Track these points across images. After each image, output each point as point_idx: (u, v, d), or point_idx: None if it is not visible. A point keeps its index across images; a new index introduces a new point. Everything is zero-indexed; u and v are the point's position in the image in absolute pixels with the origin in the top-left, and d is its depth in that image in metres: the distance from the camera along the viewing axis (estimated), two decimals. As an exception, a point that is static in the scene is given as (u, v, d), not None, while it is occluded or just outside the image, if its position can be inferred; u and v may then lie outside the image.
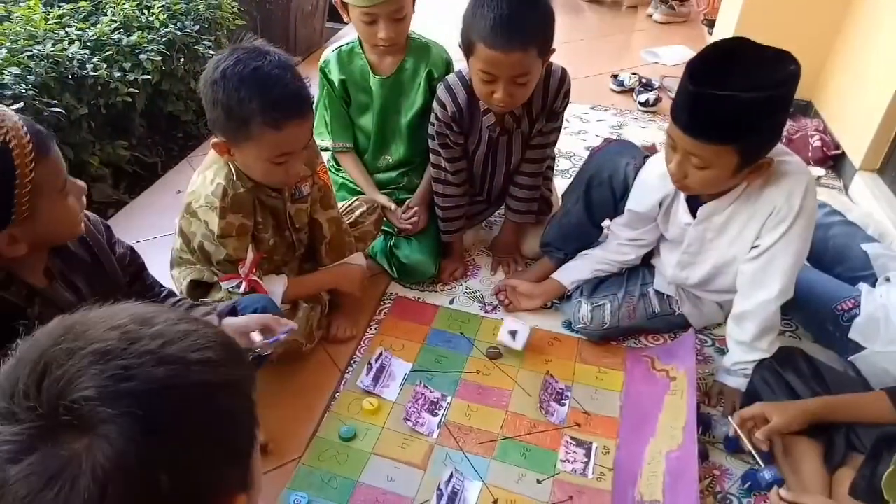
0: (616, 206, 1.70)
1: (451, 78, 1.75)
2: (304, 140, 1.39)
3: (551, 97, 1.74)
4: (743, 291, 1.50)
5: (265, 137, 1.31)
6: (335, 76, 1.85)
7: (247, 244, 1.47)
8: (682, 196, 1.55)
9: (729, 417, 1.40)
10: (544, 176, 1.96)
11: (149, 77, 2.27)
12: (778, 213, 1.41)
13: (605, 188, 1.69)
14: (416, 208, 1.90)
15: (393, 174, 1.97)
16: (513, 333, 1.66)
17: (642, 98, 2.93)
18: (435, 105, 1.75)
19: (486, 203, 2.05)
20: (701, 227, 1.53)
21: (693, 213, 1.54)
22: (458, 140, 1.79)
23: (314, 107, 1.64)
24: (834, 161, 2.51)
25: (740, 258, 1.50)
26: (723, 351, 1.64)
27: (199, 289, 1.48)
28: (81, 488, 0.43)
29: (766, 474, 1.33)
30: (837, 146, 2.50)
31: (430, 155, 1.85)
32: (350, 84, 1.86)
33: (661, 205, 1.60)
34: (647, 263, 1.78)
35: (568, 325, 1.79)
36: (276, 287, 1.53)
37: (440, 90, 1.75)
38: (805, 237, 1.44)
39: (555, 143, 1.88)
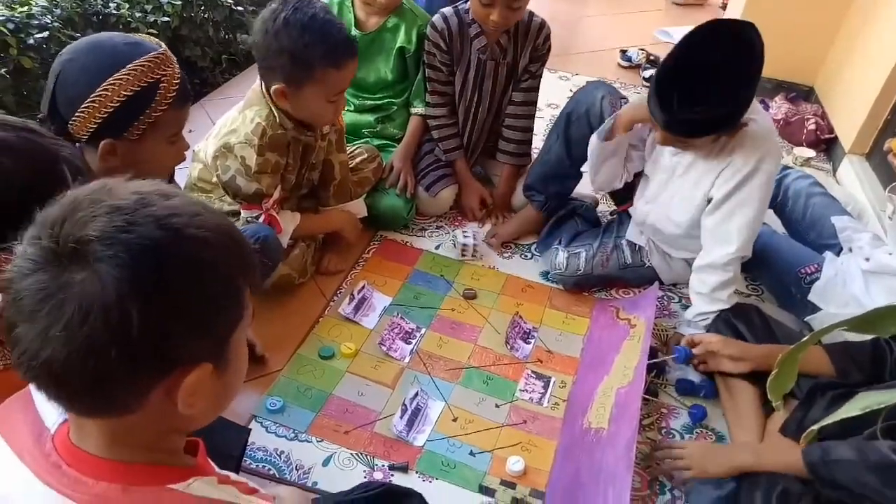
0: None
1: (447, 9, 1.93)
2: (352, 77, 1.56)
3: (532, 35, 1.93)
4: (706, 246, 1.60)
5: (327, 77, 1.47)
6: None
7: (277, 182, 1.59)
8: None
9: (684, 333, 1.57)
10: (532, 100, 2.07)
11: (168, 20, 2.38)
12: (733, 166, 1.51)
13: (583, 123, 1.80)
14: (402, 170, 1.99)
15: (370, 118, 2.08)
16: (466, 236, 1.92)
17: (647, 74, 2.99)
18: (428, 29, 1.93)
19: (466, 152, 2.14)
20: (675, 158, 1.64)
21: None
22: (444, 60, 1.95)
23: None
24: (827, 145, 2.56)
25: (692, 206, 1.61)
26: (687, 307, 1.73)
27: None
28: (67, 311, 0.51)
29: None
30: (831, 130, 2.55)
31: (426, 83, 2.01)
32: None
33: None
34: (621, 216, 1.89)
35: (544, 275, 1.89)
36: (289, 225, 1.65)
37: (435, 18, 1.93)
38: (762, 198, 1.53)
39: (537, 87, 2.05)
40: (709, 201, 1.59)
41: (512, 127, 2.05)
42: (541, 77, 2.03)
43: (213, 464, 0.69)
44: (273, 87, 1.49)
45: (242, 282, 0.61)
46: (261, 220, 1.55)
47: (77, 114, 1.03)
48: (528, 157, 2.10)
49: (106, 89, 1.03)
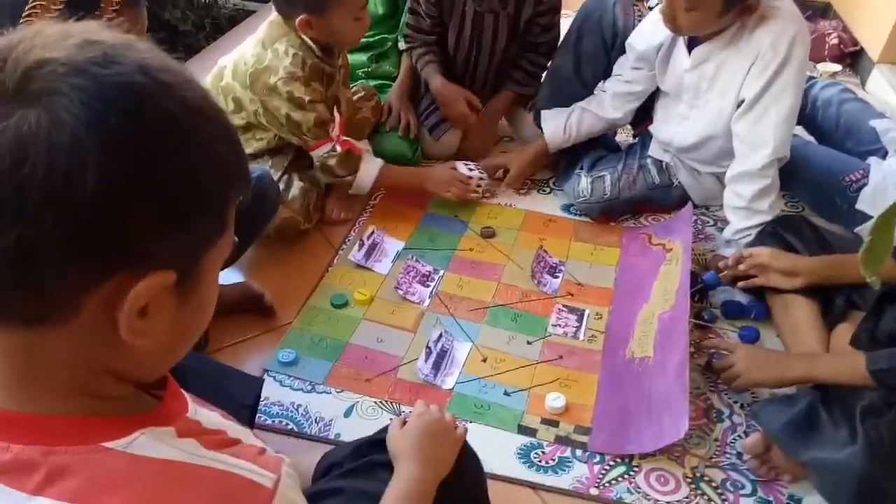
0: (608, 58, 1.67)
1: None
2: None
3: None
4: (739, 153, 1.47)
5: None
6: None
7: (332, 108, 1.52)
8: (680, 41, 1.52)
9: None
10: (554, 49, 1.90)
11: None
12: (763, 59, 1.39)
13: (595, 35, 1.67)
14: (400, 110, 1.85)
15: (363, 57, 1.95)
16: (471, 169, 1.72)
17: (653, 2, 2.83)
18: None
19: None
20: (696, 73, 1.50)
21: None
22: (430, 12, 1.77)
23: None
24: (852, 59, 2.41)
25: (727, 113, 1.47)
26: (723, 230, 1.59)
27: None
28: None
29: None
30: (855, 43, 2.40)
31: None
32: None
33: (658, 51, 1.57)
34: (643, 135, 1.75)
35: (566, 208, 1.75)
36: (372, 166, 1.59)
37: None
38: (795, 89, 1.41)
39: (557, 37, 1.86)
40: (739, 105, 1.46)
41: (531, 61, 1.87)
42: (557, 30, 1.83)
43: (189, 402, 0.52)
44: (297, 20, 1.41)
45: (231, 183, 0.47)
46: (337, 150, 1.51)
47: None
48: (531, 89, 1.90)
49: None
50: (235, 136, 0.49)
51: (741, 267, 1.35)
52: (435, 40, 1.84)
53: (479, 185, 1.71)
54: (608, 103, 1.68)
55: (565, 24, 1.82)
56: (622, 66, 1.69)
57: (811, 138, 1.79)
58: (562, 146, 1.73)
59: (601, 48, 1.69)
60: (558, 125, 1.71)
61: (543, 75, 1.90)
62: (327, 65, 1.53)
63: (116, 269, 0.41)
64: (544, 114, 1.74)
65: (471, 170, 1.72)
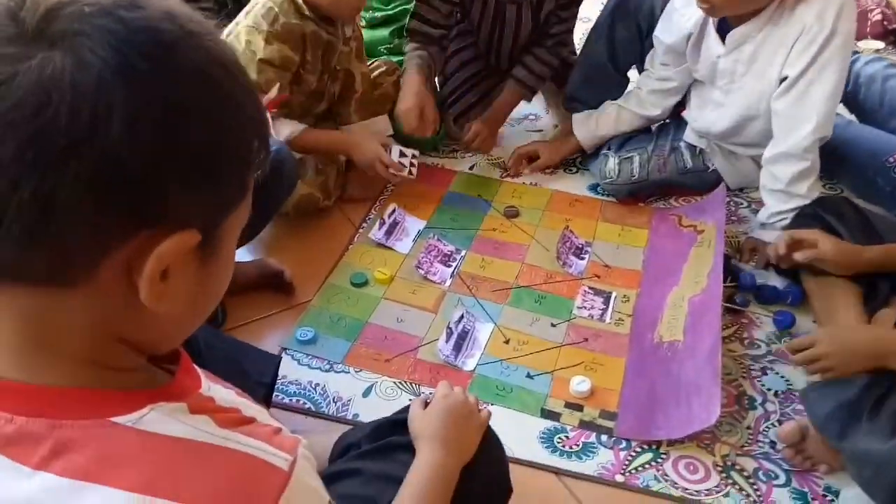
0: (643, 45, 1.59)
1: None
2: None
3: None
4: (778, 133, 1.39)
5: None
6: None
7: (281, 81, 1.42)
8: (711, 26, 1.44)
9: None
10: (565, 42, 1.83)
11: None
12: (808, 34, 1.30)
13: (630, 21, 1.58)
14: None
15: (384, 32, 1.89)
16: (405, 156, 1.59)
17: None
18: None
19: (498, 76, 1.90)
20: (731, 58, 1.42)
21: (724, 42, 1.43)
22: None
23: None
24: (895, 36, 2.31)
25: (768, 93, 1.39)
26: (758, 212, 1.53)
27: None
28: (15, 93, 0.35)
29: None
30: (900, 19, 2.29)
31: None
32: None
33: (688, 40, 1.49)
34: (677, 118, 1.67)
35: (592, 188, 1.70)
36: (284, 128, 1.47)
37: None
38: (841, 64, 1.33)
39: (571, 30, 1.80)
40: (782, 81, 1.38)
41: (536, 57, 1.76)
42: (573, 22, 1.77)
43: (203, 378, 0.49)
44: None
45: (253, 141, 0.45)
46: None
47: None
48: (529, 94, 1.83)
49: None
50: (257, 93, 0.47)
51: (797, 256, 1.23)
52: (440, 35, 1.73)
53: (410, 173, 1.59)
54: (646, 100, 1.63)
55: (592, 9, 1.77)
56: (652, 62, 1.62)
57: (852, 117, 1.71)
58: (598, 144, 1.68)
59: (636, 35, 1.61)
60: (591, 129, 1.66)
61: (561, 67, 1.82)
62: (323, 31, 1.45)
63: (140, 227, 0.39)
64: (575, 118, 1.69)
65: (402, 155, 1.59)
